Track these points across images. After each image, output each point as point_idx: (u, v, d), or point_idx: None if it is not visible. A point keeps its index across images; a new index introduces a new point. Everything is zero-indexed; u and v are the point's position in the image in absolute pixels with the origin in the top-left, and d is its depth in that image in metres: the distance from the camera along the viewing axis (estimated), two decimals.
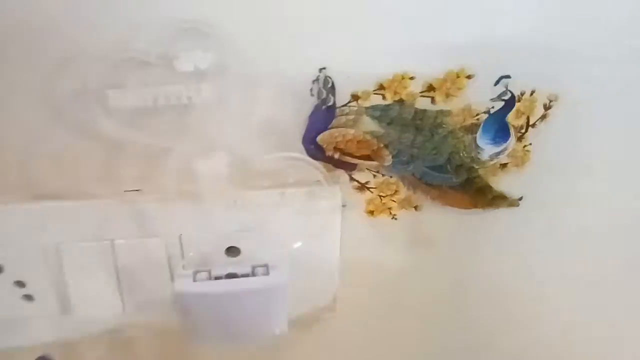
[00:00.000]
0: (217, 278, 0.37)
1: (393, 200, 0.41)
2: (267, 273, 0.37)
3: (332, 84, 0.35)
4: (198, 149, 0.35)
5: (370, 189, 0.41)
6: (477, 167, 0.38)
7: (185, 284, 0.36)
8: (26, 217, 0.37)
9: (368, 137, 0.35)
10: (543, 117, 0.38)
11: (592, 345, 0.51)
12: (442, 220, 0.42)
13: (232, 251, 0.40)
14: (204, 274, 0.36)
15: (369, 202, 0.41)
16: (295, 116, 0.36)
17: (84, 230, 0.38)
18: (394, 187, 0.41)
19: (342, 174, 0.39)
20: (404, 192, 0.41)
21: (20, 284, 0.40)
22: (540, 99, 0.38)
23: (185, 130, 0.35)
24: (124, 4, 0.31)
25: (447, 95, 0.36)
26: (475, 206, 0.40)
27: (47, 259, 0.39)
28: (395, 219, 0.42)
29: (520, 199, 0.42)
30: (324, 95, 0.34)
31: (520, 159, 0.40)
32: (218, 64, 0.32)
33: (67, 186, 0.37)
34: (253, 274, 0.37)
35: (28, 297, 0.40)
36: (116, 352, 0.45)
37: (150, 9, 0.31)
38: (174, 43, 0.31)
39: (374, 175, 0.40)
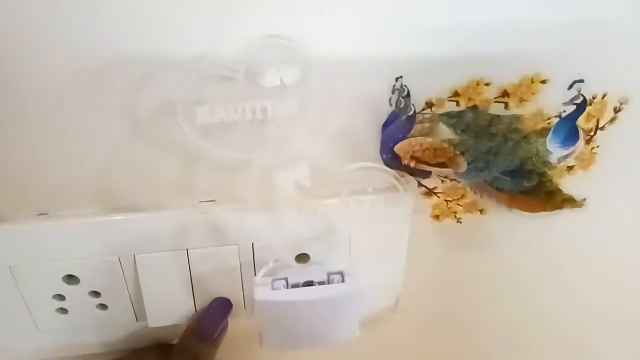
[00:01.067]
0: (293, 286, 0.37)
1: (459, 205, 0.42)
2: (342, 280, 0.37)
3: (408, 91, 0.35)
4: (276, 161, 0.35)
5: (437, 194, 0.41)
6: (548, 171, 0.39)
7: (265, 293, 0.36)
8: (103, 229, 0.38)
9: (445, 144, 0.35)
10: (612, 119, 0.38)
11: None
12: (507, 223, 0.42)
13: (301, 258, 0.41)
14: (281, 282, 0.37)
15: (435, 206, 0.42)
16: (368, 126, 0.36)
17: (159, 241, 0.39)
18: (460, 192, 0.41)
19: (411, 181, 0.40)
20: (470, 196, 0.41)
21: (95, 293, 0.40)
22: (611, 102, 0.38)
23: (263, 142, 0.35)
24: (208, 20, 0.31)
25: (521, 100, 0.36)
26: (544, 209, 0.41)
27: (122, 269, 0.39)
28: (460, 222, 0.43)
29: (584, 200, 0.42)
30: (402, 105, 0.35)
31: (587, 161, 0.40)
32: (300, 78, 0.32)
33: (143, 198, 0.38)
34: (329, 282, 0.37)
35: (102, 306, 0.41)
36: None
37: (234, 24, 0.31)
38: (258, 58, 0.31)
39: (442, 181, 0.40)
